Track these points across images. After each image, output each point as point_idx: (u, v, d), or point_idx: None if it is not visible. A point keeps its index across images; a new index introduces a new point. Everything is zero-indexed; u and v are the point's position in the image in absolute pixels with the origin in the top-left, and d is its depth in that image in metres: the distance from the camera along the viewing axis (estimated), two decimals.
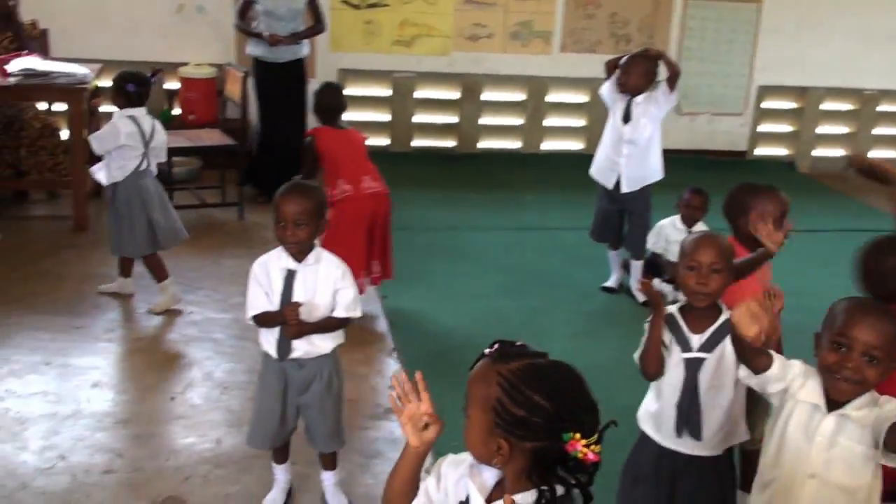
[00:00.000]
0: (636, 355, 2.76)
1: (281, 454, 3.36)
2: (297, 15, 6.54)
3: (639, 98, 5.13)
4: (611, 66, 5.23)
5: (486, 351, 1.75)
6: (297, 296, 3.05)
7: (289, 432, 3.29)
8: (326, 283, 3.08)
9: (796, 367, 2.36)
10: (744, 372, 2.42)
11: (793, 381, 2.34)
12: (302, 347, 3.11)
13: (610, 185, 5.31)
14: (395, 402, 1.85)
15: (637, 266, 5.39)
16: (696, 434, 2.72)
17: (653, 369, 2.74)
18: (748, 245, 3.21)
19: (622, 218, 5.39)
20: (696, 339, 2.69)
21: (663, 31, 8.15)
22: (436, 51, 7.85)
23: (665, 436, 2.78)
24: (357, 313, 3.16)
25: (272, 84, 6.62)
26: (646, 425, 2.85)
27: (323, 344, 3.15)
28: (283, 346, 3.12)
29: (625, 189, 5.26)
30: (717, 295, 2.69)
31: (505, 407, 1.66)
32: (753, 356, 2.36)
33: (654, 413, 2.80)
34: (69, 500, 3.32)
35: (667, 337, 2.72)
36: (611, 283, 5.52)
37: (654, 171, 5.30)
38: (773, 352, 2.37)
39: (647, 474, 2.83)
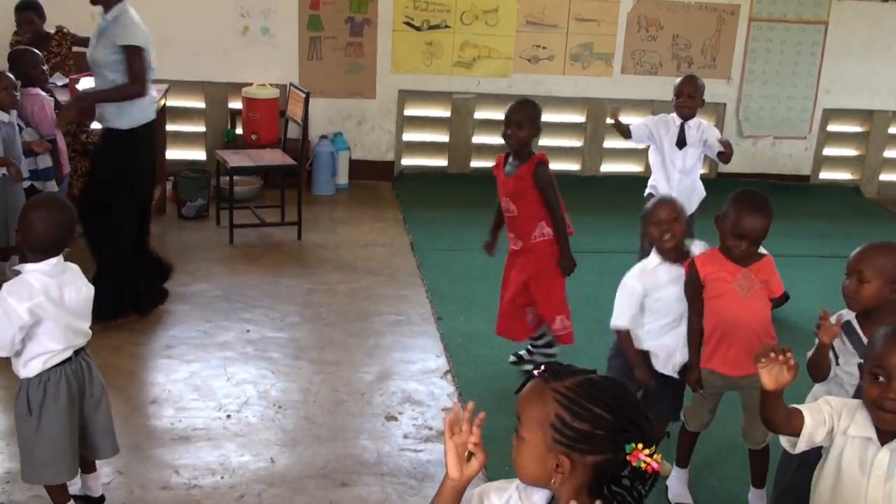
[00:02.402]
0: (808, 355, 2.92)
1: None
2: (103, 67, 4.73)
3: (691, 122, 5.19)
4: (622, 131, 5.45)
5: (536, 372, 1.74)
6: None
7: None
8: None
9: (833, 403, 2.34)
10: (786, 442, 2.40)
11: (836, 419, 2.31)
12: None
13: None
14: (448, 427, 1.81)
15: None
16: None
17: (818, 376, 2.92)
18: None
19: None
20: None
21: (726, 53, 8.07)
22: (496, 72, 7.88)
23: None
24: None
25: (99, 150, 5.12)
26: None
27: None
28: None
29: None
30: (868, 303, 2.77)
31: (566, 422, 1.65)
32: (786, 426, 2.36)
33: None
34: None
35: (841, 342, 2.84)
36: None
37: (700, 193, 5.40)
38: (798, 406, 2.35)
39: (812, 458, 2.79)
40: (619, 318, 3.63)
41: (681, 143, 5.20)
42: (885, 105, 8.40)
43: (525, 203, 4.34)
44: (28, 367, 3.05)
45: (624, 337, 3.65)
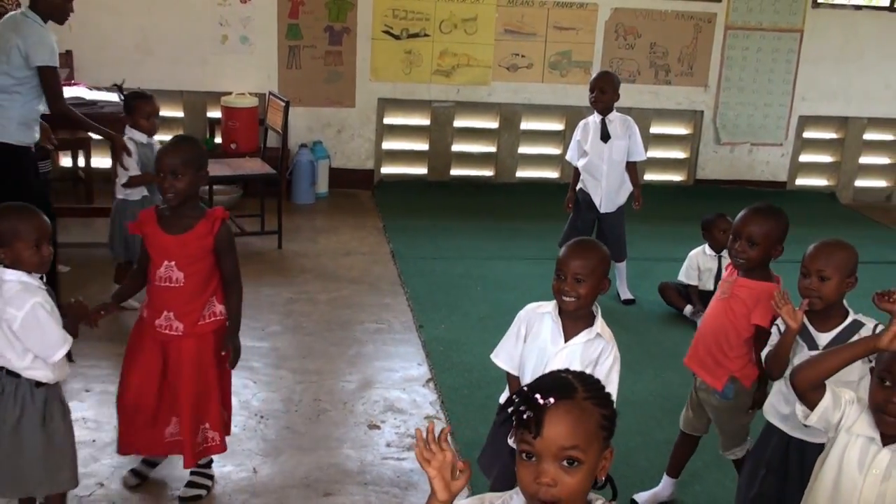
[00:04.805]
0: (764, 354, 2.95)
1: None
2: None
3: (612, 117, 5.50)
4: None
5: (547, 401, 1.65)
6: None
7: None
8: None
9: (848, 395, 2.40)
10: (801, 412, 2.44)
11: (847, 411, 2.36)
12: None
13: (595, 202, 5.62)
14: (421, 456, 1.78)
15: (622, 268, 5.74)
16: None
17: (777, 371, 2.91)
18: None
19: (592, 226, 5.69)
20: (824, 338, 2.81)
21: (703, 60, 8.14)
22: (475, 80, 7.91)
23: (792, 426, 2.87)
24: None
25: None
26: (772, 417, 2.97)
27: None
28: None
29: (603, 210, 5.59)
30: (827, 300, 2.82)
31: (608, 417, 1.71)
32: (809, 393, 2.40)
33: (781, 405, 2.92)
34: None
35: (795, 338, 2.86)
36: None
37: (628, 187, 5.64)
38: (826, 382, 2.40)
39: (777, 464, 2.92)
40: (499, 352, 3.02)
41: (605, 136, 5.47)
42: (859, 112, 8.51)
43: (198, 271, 3.32)
44: None
45: (509, 378, 3.02)
